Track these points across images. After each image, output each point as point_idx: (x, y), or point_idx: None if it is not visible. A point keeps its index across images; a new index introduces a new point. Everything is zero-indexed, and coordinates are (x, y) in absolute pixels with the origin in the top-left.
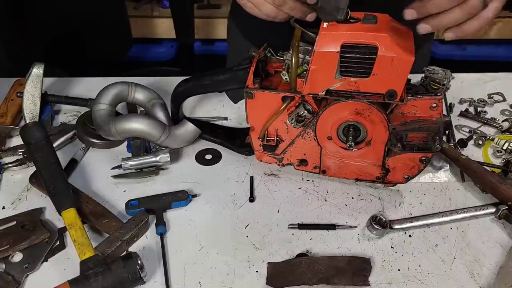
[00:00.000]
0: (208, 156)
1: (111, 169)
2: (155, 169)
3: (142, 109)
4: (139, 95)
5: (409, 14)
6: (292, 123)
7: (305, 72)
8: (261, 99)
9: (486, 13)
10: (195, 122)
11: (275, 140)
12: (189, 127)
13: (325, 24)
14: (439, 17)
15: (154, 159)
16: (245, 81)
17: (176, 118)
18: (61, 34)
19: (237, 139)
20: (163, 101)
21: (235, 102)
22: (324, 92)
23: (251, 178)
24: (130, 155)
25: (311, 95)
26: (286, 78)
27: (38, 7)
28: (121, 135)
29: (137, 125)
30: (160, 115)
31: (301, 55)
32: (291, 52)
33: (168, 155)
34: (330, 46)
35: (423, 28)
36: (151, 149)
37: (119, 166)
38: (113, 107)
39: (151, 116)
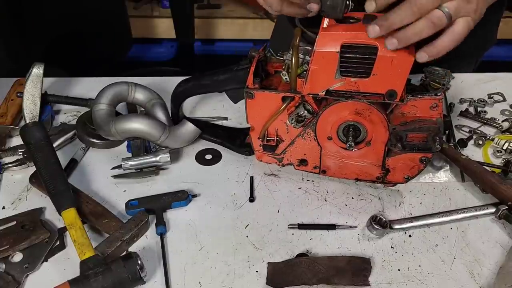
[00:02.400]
0: (208, 156)
1: (111, 169)
2: (155, 169)
3: (142, 109)
4: (139, 95)
5: (372, 31)
6: (292, 123)
7: (305, 72)
8: (261, 99)
9: (457, 27)
10: (195, 122)
11: (275, 140)
12: (189, 127)
13: (325, 24)
14: (404, 30)
15: (154, 159)
16: (245, 81)
17: (176, 118)
18: (61, 34)
19: (237, 139)
20: (163, 101)
21: (235, 102)
22: (324, 92)
23: (251, 178)
24: (130, 155)
25: (311, 95)
26: (286, 78)
27: (38, 7)
28: (121, 135)
29: (137, 125)
30: (160, 115)
31: (301, 55)
32: (291, 52)
33: (168, 155)
34: (330, 46)
35: (390, 43)
36: (151, 149)
37: (119, 166)
38: (113, 107)
39: (151, 116)
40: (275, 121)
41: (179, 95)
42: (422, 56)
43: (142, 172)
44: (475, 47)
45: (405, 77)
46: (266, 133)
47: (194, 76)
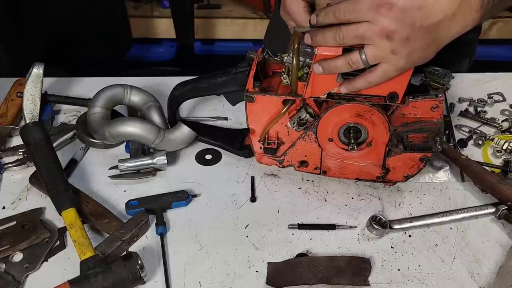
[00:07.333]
0: (208, 156)
1: (108, 169)
2: (153, 170)
3: None
4: (135, 98)
5: (306, 38)
6: (294, 127)
7: (305, 75)
8: (261, 102)
9: (374, 73)
10: (192, 124)
11: (275, 143)
12: (184, 130)
13: None
14: (328, 61)
15: (150, 161)
16: (244, 83)
17: (173, 120)
18: (61, 34)
19: (235, 141)
20: (159, 104)
21: (233, 105)
22: (325, 95)
23: (252, 178)
24: (129, 155)
25: (312, 98)
26: (286, 81)
27: (38, 7)
28: (115, 139)
29: (130, 128)
30: (156, 117)
31: (301, 58)
32: (290, 54)
33: (165, 157)
34: (331, 49)
35: (316, 68)
36: (149, 150)
37: (116, 167)
38: (108, 110)
39: (146, 119)
40: (275, 124)
41: (176, 98)
42: (342, 89)
43: (139, 173)
44: (467, 47)
45: (407, 80)
46: (266, 136)
47: (191, 79)
